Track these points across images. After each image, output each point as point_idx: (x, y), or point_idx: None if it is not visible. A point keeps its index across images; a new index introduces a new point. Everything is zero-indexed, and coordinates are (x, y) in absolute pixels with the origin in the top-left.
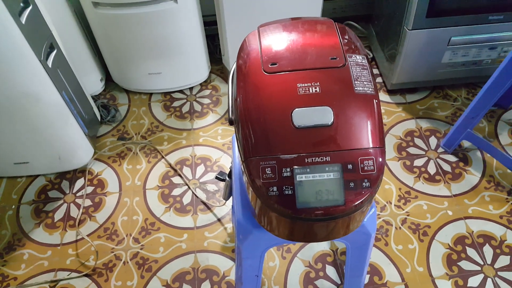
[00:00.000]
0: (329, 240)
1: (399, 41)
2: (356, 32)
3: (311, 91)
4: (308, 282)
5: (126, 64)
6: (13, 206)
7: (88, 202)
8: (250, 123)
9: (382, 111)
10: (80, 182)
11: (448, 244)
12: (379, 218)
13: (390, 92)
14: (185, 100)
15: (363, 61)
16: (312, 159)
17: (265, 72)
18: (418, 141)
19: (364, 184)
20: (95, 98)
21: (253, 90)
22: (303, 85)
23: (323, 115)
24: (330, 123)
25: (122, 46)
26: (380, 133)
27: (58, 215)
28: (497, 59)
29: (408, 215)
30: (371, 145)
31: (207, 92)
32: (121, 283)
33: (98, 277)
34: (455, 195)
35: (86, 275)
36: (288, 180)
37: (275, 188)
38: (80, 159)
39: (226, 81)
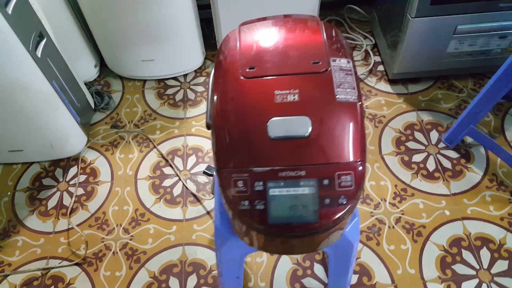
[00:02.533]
0: (307, 253)
1: (402, 29)
2: (358, 16)
3: (289, 99)
4: (295, 280)
5: (119, 50)
6: (9, 193)
7: (80, 191)
8: (223, 131)
9: (382, 101)
10: (73, 170)
11: (443, 246)
12: (372, 216)
13: (392, 81)
14: (178, 88)
15: (348, 65)
16: (286, 173)
17: (242, 76)
18: (418, 135)
19: (340, 200)
20: (89, 84)
21: (228, 95)
22: (281, 92)
23: (300, 126)
24: (307, 134)
25: (114, 31)
26: (361, 146)
27: (52, 203)
28: (508, 48)
29: (402, 214)
30: (350, 159)
31: (201, 79)
32: (110, 273)
33: (88, 267)
34: (454, 194)
35: (76, 264)
36: (261, 194)
37: (246, 202)
38: (72, 147)
39: None
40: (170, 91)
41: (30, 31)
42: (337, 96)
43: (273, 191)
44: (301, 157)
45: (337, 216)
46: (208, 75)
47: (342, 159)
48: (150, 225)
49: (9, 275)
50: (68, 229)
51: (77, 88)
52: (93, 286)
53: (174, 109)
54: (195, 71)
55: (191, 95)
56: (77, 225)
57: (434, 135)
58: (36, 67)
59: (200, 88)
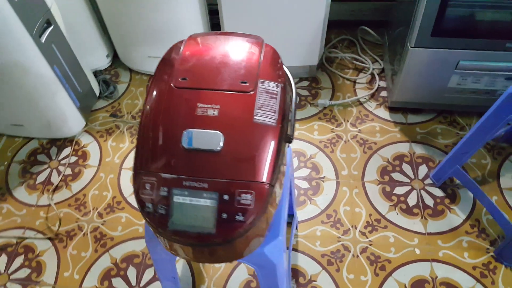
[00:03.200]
0: (218, 263)
1: (401, 57)
2: (372, 39)
3: (209, 113)
4: None
5: (129, 43)
6: (6, 163)
7: (68, 171)
8: (143, 135)
9: (377, 127)
10: (67, 151)
11: (405, 285)
12: (339, 241)
13: (391, 109)
14: None
15: (275, 89)
16: (190, 183)
17: (173, 85)
18: (406, 167)
19: (237, 217)
20: (99, 73)
21: (156, 101)
22: (203, 105)
23: (212, 140)
24: (218, 149)
25: (126, 25)
26: (270, 168)
27: (40, 178)
28: None
29: (370, 245)
30: (254, 179)
31: None
32: (76, 252)
33: (59, 243)
34: (429, 233)
35: (49, 238)
36: (165, 200)
37: (150, 205)
38: (69, 129)
39: None
40: None
41: (36, 18)
42: (255, 117)
43: (177, 198)
44: (208, 170)
45: (233, 232)
46: None
47: (245, 178)
48: (123, 213)
49: None
50: (49, 205)
51: (81, 75)
52: (58, 261)
53: None
54: None
55: None
56: (58, 203)
57: (422, 170)
58: (38, 51)
59: None
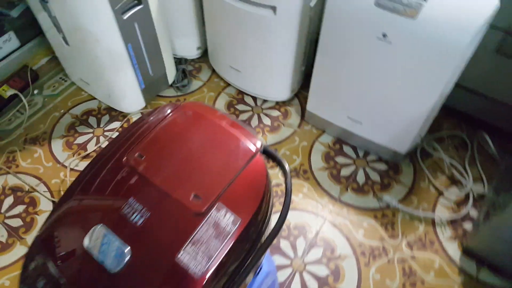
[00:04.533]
0: None
1: (499, 205)
2: (488, 150)
3: (133, 216)
4: None
5: (218, 46)
6: (62, 111)
7: (105, 144)
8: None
9: (436, 264)
10: (115, 124)
11: None
12: None
13: (466, 251)
14: (250, 110)
15: (230, 227)
16: None
17: (124, 157)
18: None
19: None
20: (184, 61)
21: (98, 169)
22: (133, 203)
23: (114, 255)
24: (114, 271)
25: (220, 27)
26: None
27: (80, 139)
28: None
29: None
30: None
31: (275, 112)
32: None
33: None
34: None
35: (53, 202)
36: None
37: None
38: (127, 106)
39: (303, 115)
40: (240, 107)
41: None
42: (179, 255)
43: None
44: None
45: None
46: (284, 113)
47: None
48: None
49: (9, 174)
50: (71, 169)
51: (157, 59)
52: None
53: None
54: (276, 102)
55: (266, 120)
56: (77, 171)
57: None
58: (115, 27)
59: (275, 112)
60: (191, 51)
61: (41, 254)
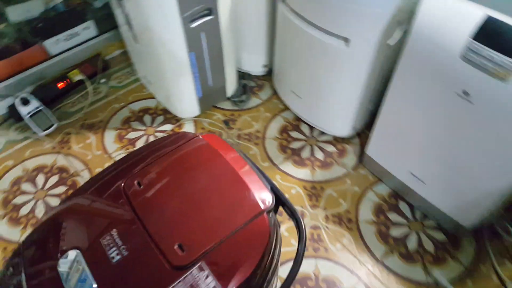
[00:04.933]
0: None
1: None
2: None
3: (110, 251)
4: None
5: (284, 68)
6: (122, 104)
7: None
8: (55, 209)
9: None
10: (168, 126)
11: None
12: None
13: None
14: (304, 139)
15: None
16: None
17: (123, 185)
18: None
19: None
20: (247, 76)
21: (98, 186)
22: (116, 237)
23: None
24: None
25: (289, 50)
26: None
27: (132, 135)
28: None
29: None
30: None
31: (330, 147)
32: None
33: None
34: None
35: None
36: None
37: None
38: (181, 111)
39: (361, 158)
40: (294, 134)
41: (195, 3)
42: None
43: None
44: None
45: None
46: (341, 152)
47: None
48: None
49: (60, 154)
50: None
51: (218, 71)
52: None
53: (282, 153)
54: (334, 137)
55: (318, 154)
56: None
57: None
58: (181, 34)
59: (330, 148)
60: (256, 67)
61: (18, 262)
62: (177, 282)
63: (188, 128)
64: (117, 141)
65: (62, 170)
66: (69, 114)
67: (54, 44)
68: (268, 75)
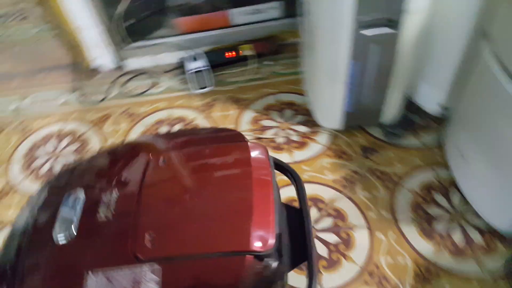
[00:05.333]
0: None
1: None
2: None
3: (101, 207)
4: None
5: (462, 120)
6: (272, 91)
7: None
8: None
9: None
10: (302, 128)
11: None
12: None
13: None
14: (447, 212)
15: None
16: None
17: (151, 157)
18: None
19: None
20: (415, 109)
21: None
22: (114, 197)
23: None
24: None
25: (475, 100)
26: None
27: (266, 123)
28: None
29: None
30: None
31: (478, 237)
32: None
33: None
34: None
35: None
36: None
37: None
38: (322, 118)
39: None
40: (439, 199)
41: (377, 10)
42: (89, 274)
43: None
44: None
45: None
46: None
47: None
48: None
49: (203, 115)
50: None
51: (379, 91)
52: None
53: (411, 211)
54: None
55: (455, 234)
56: None
57: None
58: (348, 36)
59: (476, 236)
60: (430, 103)
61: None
62: (125, 267)
63: (322, 138)
64: (251, 123)
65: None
66: (224, 83)
67: (238, 15)
68: (442, 118)
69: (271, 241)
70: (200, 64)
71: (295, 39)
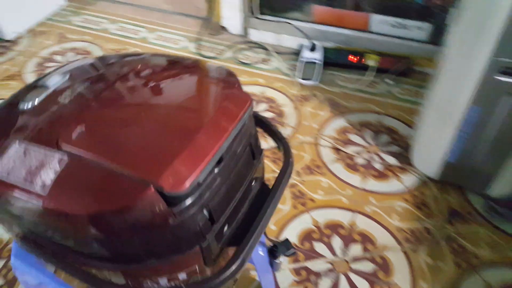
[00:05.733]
0: None
1: None
2: None
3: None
4: None
5: None
6: (378, 109)
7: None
8: None
9: None
10: (391, 160)
11: None
12: None
13: None
14: None
15: None
16: None
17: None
18: None
19: None
20: None
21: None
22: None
23: None
24: None
25: None
26: None
27: (353, 138)
28: None
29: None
30: None
31: None
32: None
33: None
34: None
35: None
36: None
37: None
38: (418, 162)
39: None
40: None
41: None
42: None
43: None
44: None
45: None
46: None
47: None
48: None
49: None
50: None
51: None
52: None
53: None
54: None
55: None
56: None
57: None
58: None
59: None
60: None
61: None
62: (43, 147)
63: (408, 179)
64: (338, 132)
65: (280, 114)
66: (331, 83)
67: (379, 22)
68: None
69: (185, 185)
70: (316, 56)
71: (429, 68)
